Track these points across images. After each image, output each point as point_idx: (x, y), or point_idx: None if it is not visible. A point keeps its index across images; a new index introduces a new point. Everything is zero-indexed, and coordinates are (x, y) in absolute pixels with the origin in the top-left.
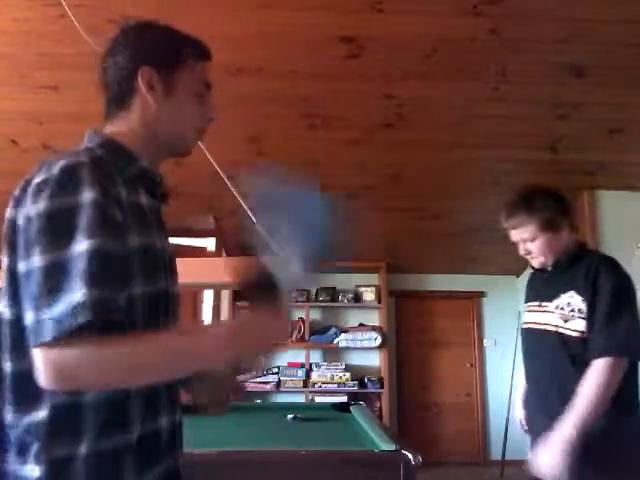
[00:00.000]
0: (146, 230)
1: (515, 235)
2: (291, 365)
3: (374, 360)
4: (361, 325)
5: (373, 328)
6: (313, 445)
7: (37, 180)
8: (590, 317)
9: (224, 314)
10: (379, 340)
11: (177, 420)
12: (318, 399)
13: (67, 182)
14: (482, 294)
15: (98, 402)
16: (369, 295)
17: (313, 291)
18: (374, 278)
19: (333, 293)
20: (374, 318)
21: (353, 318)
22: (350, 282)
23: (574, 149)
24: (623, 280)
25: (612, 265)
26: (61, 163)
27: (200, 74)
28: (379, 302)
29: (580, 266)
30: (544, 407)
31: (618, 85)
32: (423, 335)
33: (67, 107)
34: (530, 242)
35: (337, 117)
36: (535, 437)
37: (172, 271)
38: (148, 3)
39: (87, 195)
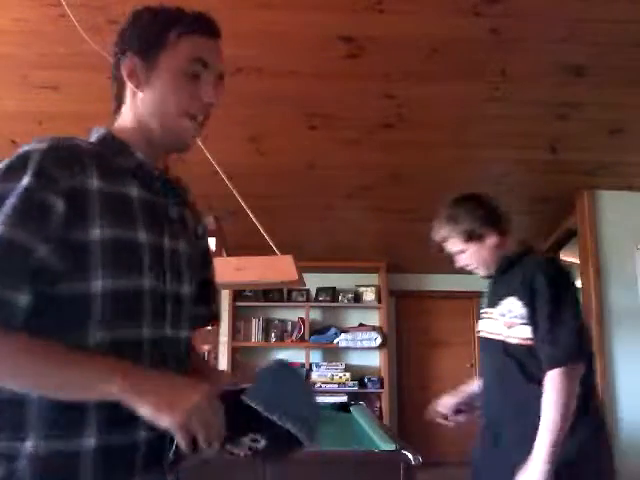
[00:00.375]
0: (124, 223)
1: (448, 248)
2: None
3: (374, 360)
4: (361, 325)
5: (373, 328)
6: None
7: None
8: (533, 323)
9: (224, 314)
10: (379, 340)
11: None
12: (318, 399)
13: (15, 168)
14: (482, 294)
15: (43, 401)
16: (369, 295)
17: (313, 291)
18: (374, 278)
19: (333, 293)
20: (374, 318)
21: (353, 318)
22: (350, 282)
23: (574, 149)
24: (560, 280)
25: (548, 266)
26: (20, 149)
27: (191, 50)
28: (379, 302)
29: (518, 269)
30: (490, 415)
31: (618, 85)
32: (423, 335)
33: (67, 107)
34: (463, 254)
35: (337, 117)
36: (480, 440)
37: (178, 270)
38: (148, 4)
39: (23, 181)
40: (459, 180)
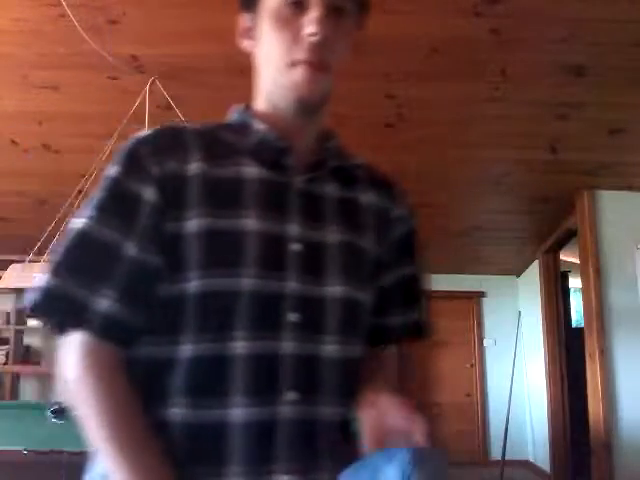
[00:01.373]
0: (226, 210)
1: None
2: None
3: None
4: None
5: None
6: None
7: None
8: None
9: None
10: None
11: (291, 416)
12: None
13: (111, 162)
14: (482, 294)
15: (138, 362)
16: None
17: None
18: None
19: None
20: None
21: None
22: None
23: (574, 149)
24: None
25: None
26: None
27: None
28: None
29: None
30: None
31: (618, 85)
32: None
33: (67, 107)
34: None
35: (337, 116)
36: None
37: (318, 267)
38: (149, 3)
39: (110, 172)
40: (459, 180)
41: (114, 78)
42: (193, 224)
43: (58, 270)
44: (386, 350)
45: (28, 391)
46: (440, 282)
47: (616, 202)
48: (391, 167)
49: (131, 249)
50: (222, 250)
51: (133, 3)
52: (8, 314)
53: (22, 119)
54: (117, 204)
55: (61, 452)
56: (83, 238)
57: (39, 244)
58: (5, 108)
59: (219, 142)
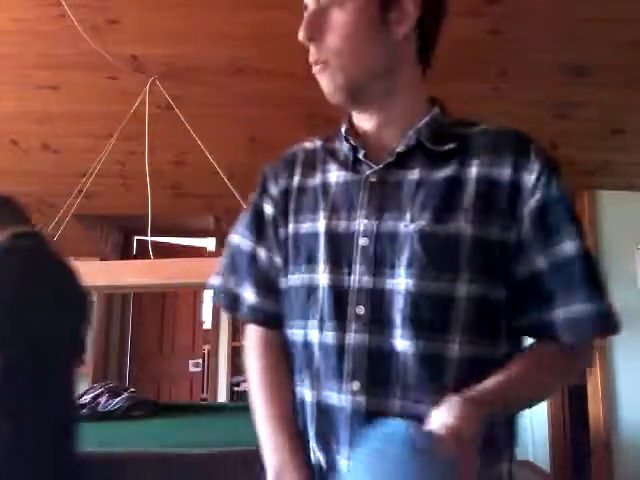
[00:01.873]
0: (307, 214)
1: None
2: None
3: None
4: None
5: None
6: None
7: None
8: None
9: (224, 314)
10: None
11: (353, 405)
12: None
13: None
14: None
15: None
16: None
17: None
18: None
19: None
20: None
21: None
22: None
23: (574, 149)
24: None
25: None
26: None
27: None
28: None
29: None
30: None
31: (618, 85)
32: None
33: (67, 107)
34: None
35: (337, 118)
36: None
37: (376, 260)
38: (149, 3)
39: (252, 196)
40: None
41: (114, 78)
42: (290, 228)
43: (220, 272)
44: (551, 347)
45: None
46: None
47: (616, 202)
48: None
49: (263, 253)
50: (302, 250)
51: (133, 3)
52: None
53: (22, 119)
54: (252, 220)
55: None
56: (233, 247)
57: None
58: (5, 108)
59: (318, 153)
